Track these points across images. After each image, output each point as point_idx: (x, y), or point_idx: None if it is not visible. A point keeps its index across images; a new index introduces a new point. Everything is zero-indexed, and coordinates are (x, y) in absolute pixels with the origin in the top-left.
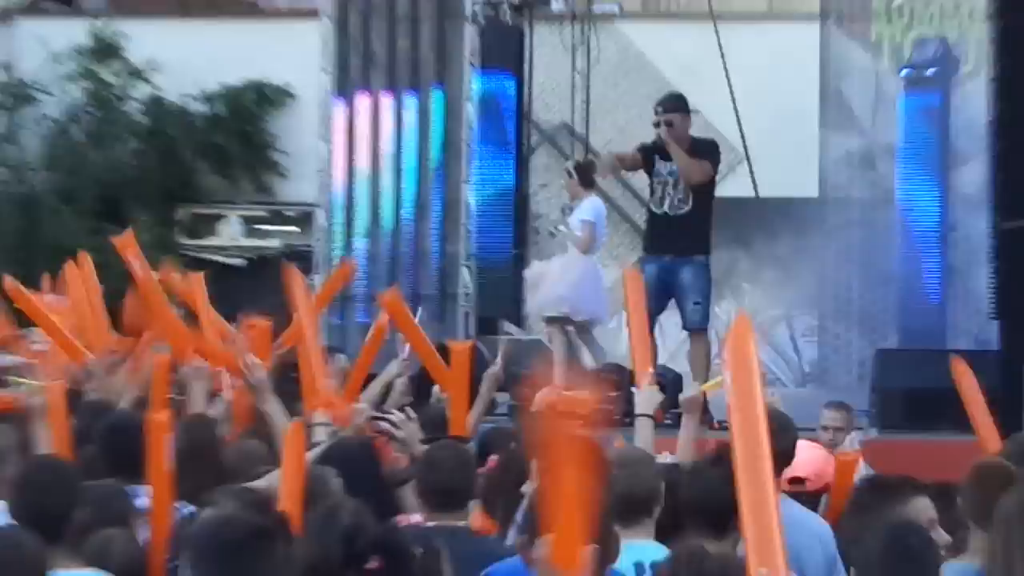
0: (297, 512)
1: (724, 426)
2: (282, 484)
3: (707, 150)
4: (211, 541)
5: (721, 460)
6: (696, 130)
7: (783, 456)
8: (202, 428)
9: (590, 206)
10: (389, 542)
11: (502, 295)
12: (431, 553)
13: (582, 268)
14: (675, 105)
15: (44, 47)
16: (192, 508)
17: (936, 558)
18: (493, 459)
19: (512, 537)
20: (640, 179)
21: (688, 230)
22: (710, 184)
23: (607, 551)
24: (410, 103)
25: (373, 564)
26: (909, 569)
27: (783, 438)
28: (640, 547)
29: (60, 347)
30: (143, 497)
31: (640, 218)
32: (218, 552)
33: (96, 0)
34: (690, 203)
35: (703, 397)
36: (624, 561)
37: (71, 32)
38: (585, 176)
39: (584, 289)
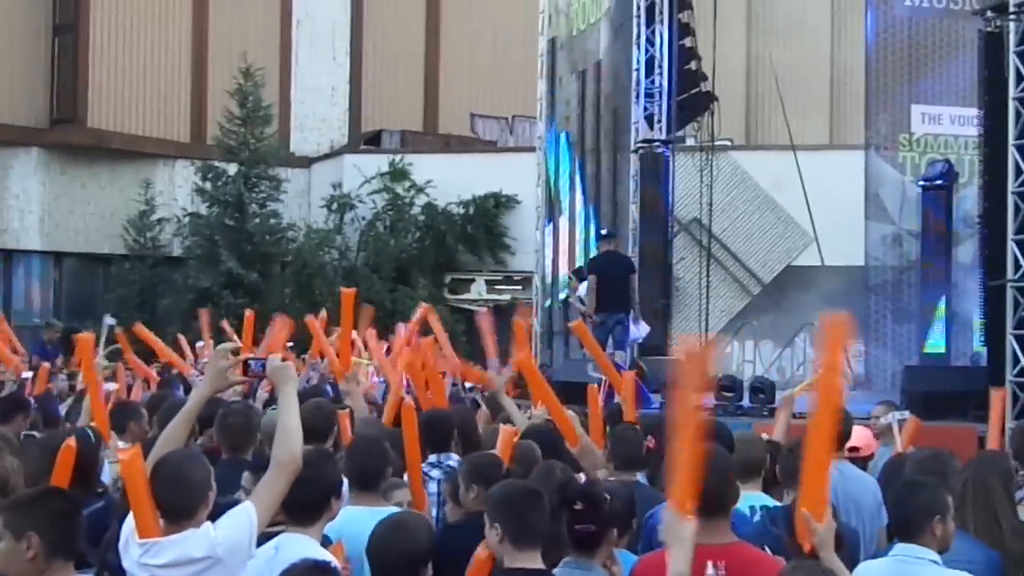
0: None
1: (802, 416)
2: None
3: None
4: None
5: None
6: (778, 223)
7: (844, 435)
8: (467, 413)
9: (584, 288)
10: (589, 491)
11: (654, 330)
12: (617, 499)
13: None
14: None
15: (360, 172)
16: (456, 460)
17: None
18: (651, 439)
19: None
20: (745, 248)
21: None
22: None
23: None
24: (595, 207)
25: (579, 507)
26: None
27: (845, 424)
28: (753, 496)
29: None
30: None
31: (743, 277)
32: (504, 502)
33: (392, 141)
34: None
35: (794, 398)
36: (742, 505)
37: (377, 162)
38: (579, 276)
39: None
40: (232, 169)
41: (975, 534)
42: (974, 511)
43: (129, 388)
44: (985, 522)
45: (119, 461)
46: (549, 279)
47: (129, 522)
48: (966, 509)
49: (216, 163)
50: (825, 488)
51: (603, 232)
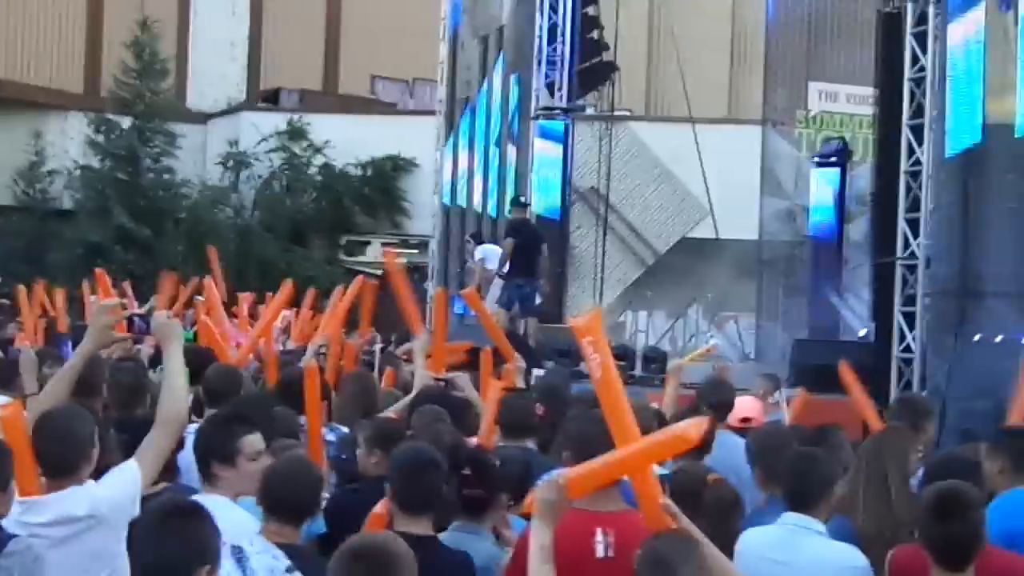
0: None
1: (694, 387)
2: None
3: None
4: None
5: (698, 410)
6: (675, 196)
7: (729, 405)
8: (365, 380)
9: (480, 251)
10: (478, 456)
11: (549, 297)
12: (512, 465)
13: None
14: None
15: (257, 130)
16: (347, 429)
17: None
18: (540, 407)
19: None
20: (641, 219)
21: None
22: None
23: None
24: (493, 172)
25: (467, 472)
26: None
27: (728, 394)
28: None
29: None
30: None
31: (639, 248)
32: (398, 465)
33: (291, 100)
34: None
35: (682, 367)
36: None
37: (274, 121)
38: (476, 239)
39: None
40: (126, 122)
41: (865, 505)
42: (866, 483)
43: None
44: (876, 492)
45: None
46: (445, 244)
47: None
48: (859, 481)
49: (110, 116)
50: (649, 475)
51: (521, 200)
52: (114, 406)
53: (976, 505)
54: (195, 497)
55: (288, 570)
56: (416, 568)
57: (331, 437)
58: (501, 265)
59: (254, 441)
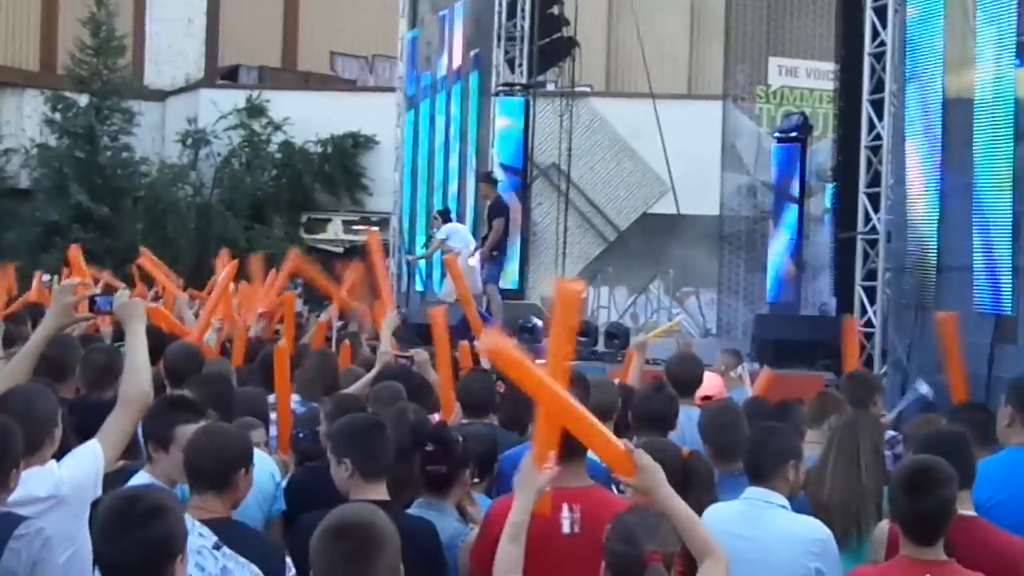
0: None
1: (657, 362)
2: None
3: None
4: (345, 430)
5: (662, 387)
6: (636, 171)
7: (697, 381)
8: (328, 357)
9: (445, 230)
10: (440, 433)
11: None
12: (477, 441)
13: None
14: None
15: (216, 107)
16: (315, 404)
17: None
18: (502, 385)
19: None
20: (602, 195)
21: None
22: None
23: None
24: (454, 149)
25: (430, 448)
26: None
27: (696, 370)
28: None
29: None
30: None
31: (600, 224)
32: (350, 435)
33: (250, 77)
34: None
35: (647, 343)
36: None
37: (234, 98)
38: (444, 217)
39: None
40: (83, 100)
41: (833, 477)
42: (837, 456)
43: None
44: (846, 465)
45: None
46: (407, 221)
47: None
48: (829, 454)
49: (66, 94)
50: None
51: (493, 176)
52: (84, 386)
53: (947, 481)
54: (133, 480)
55: (215, 546)
56: (399, 542)
57: (301, 409)
58: (492, 246)
59: (191, 432)
